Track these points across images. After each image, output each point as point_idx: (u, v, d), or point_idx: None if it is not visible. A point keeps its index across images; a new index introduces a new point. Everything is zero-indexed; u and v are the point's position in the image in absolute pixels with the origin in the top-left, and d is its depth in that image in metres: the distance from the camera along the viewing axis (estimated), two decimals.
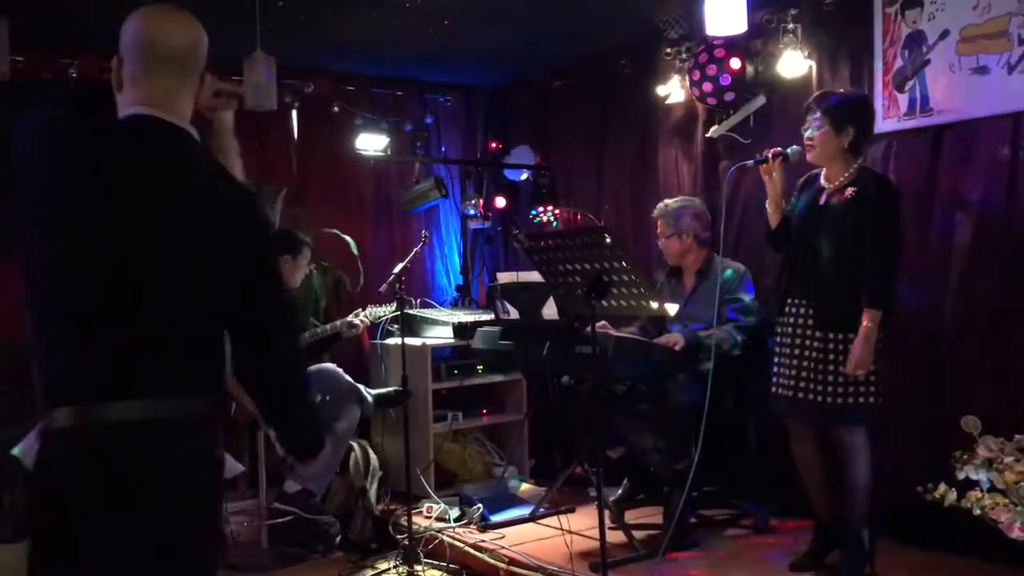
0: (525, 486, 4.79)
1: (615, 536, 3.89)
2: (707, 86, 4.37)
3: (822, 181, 3.50)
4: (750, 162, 3.62)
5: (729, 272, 4.10)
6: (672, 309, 3.64)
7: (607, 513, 3.86)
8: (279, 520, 4.48)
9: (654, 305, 3.05)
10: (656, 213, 4.32)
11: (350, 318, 4.80)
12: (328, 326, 4.77)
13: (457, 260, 5.93)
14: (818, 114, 3.39)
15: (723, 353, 3.90)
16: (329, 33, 4.67)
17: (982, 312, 3.60)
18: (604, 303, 3.14)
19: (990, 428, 3.14)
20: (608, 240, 3.01)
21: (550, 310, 3.78)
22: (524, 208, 5.76)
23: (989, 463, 3.09)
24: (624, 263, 3.00)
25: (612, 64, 5.18)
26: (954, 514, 3.08)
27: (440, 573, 4.14)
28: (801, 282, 3.50)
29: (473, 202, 5.71)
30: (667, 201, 4.34)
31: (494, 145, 6.05)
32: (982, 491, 3.07)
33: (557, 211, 5.58)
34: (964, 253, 3.66)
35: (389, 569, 4.18)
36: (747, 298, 4.07)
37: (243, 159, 4.46)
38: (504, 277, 4.33)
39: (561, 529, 4.00)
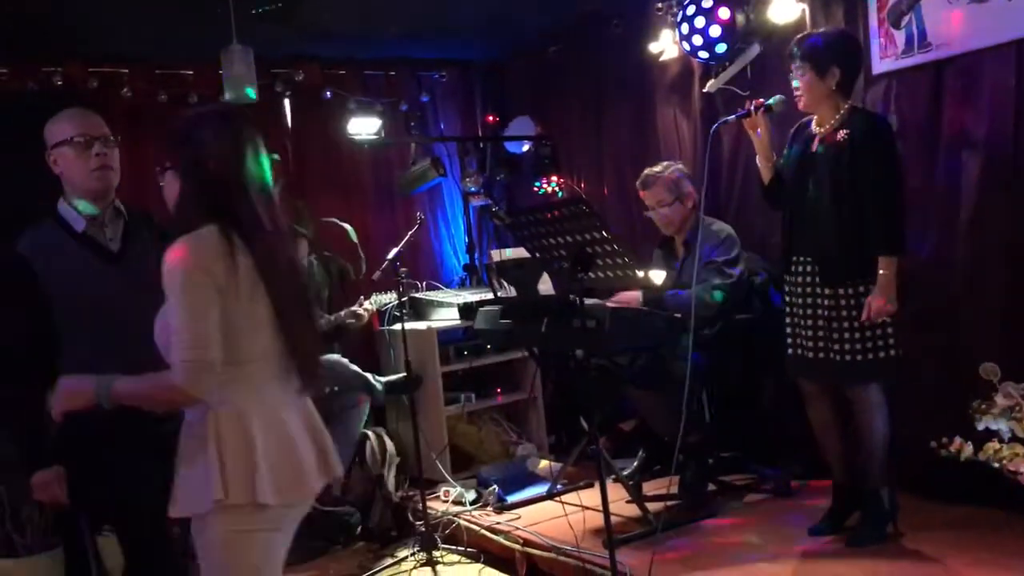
0: (544, 463, 4.72)
1: (631, 510, 3.81)
2: (697, 39, 4.21)
3: (813, 127, 3.34)
4: (732, 117, 3.47)
5: (712, 232, 3.95)
6: (658, 277, 3.52)
7: (622, 487, 3.81)
8: None
9: (640, 274, 2.94)
10: (647, 182, 4.12)
11: (354, 308, 4.74)
12: (332, 317, 4.71)
13: (464, 239, 5.84)
14: (798, 60, 3.24)
15: (696, 313, 3.76)
16: (314, 17, 4.57)
17: (995, 253, 3.44)
18: (590, 275, 3.03)
19: (1010, 375, 3.00)
20: (586, 211, 2.89)
21: (546, 285, 3.68)
22: (527, 180, 5.65)
23: (1009, 411, 2.95)
24: (604, 233, 2.89)
25: (604, 25, 5.03)
26: (976, 466, 2.95)
27: (458, 558, 4.10)
28: (802, 237, 3.36)
29: (472, 179, 5.59)
30: (653, 169, 4.14)
31: (492, 119, 5.93)
32: (1002, 441, 2.94)
33: (561, 181, 5.46)
34: (973, 193, 3.49)
35: (408, 557, 4.14)
36: (721, 255, 3.91)
37: None
38: (496, 254, 4.23)
39: (572, 506, 3.91)
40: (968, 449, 2.94)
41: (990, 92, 3.41)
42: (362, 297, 4.83)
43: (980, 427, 2.98)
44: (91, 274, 2.61)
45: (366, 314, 4.75)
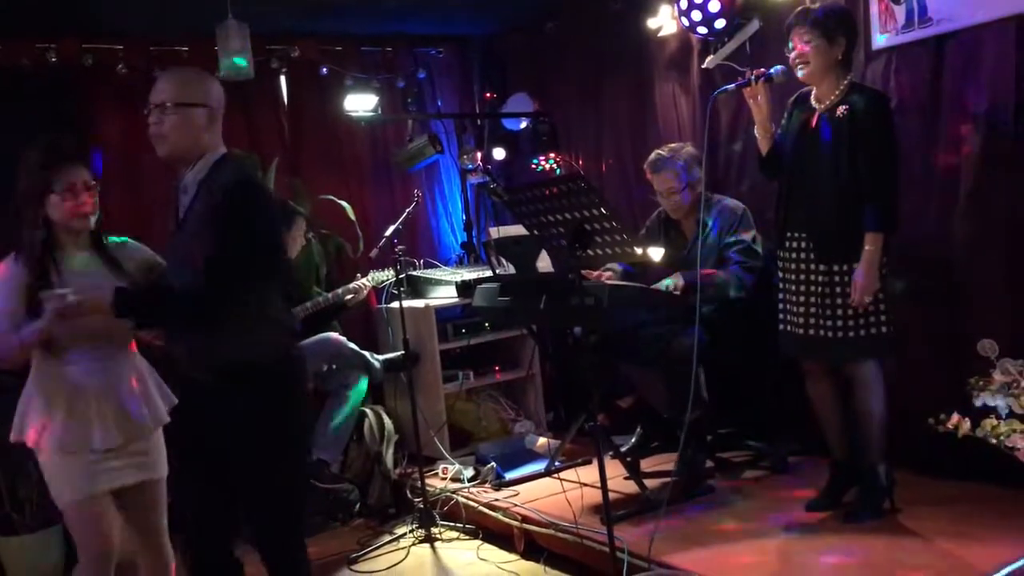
0: (542, 441, 4.73)
1: (629, 486, 3.82)
2: (696, 14, 4.19)
3: (812, 101, 3.32)
4: (732, 86, 3.43)
5: (728, 209, 3.93)
6: (656, 255, 3.50)
7: (620, 463, 3.81)
8: None
9: (638, 251, 2.92)
10: (657, 165, 4.02)
11: (351, 284, 4.73)
12: (330, 294, 4.70)
13: (461, 216, 5.82)
14: (806, 27, 3.20)
15: (727, 296, 3.78)
16: None
17: (994, 229, 3.43)
18: (589, 253, 3.02)
19: (1008, 351, 3.00)
20: (584, 187, 2.88)
21: (544, 262, 3.66)
22: (525, 157, 5.62)
23: (1007, 388, 2.95)
24: (603, 210, 2.88)
25: (602, 1, 4.98)
26: (973, 442, 2.95)
27: (457, 535, 4.11)
28: (798, 213, 3.35)
29: (470, 156, 5.57)
30: (662, 152, 4.05)
31: (489, 95, 5.89)
32: (1000, 417, 2.94)
33: (559, 158, 5.44)
34: (973, 168, 3.47)
35: (406, 533, 4.16)
36: (748, 236, 3.90)
37: (233, 129, 4.36)
38: (495, 232, 4.22)
39: (570, 483, 3.93)
40: (966, 425, 2.94)
41: (991, 67, 3.39)
42: (359, 274, 4.82)
43: (978, 403, 2.98)
44: None
45: (364, 289, 4.74)
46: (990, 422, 2.91)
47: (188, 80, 2.61)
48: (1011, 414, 2.92)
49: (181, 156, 2.57)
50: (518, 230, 3.52)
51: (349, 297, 4.70)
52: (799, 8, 3.36)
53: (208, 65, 4.79)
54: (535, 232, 3.24)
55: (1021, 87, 3.31)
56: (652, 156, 4.08)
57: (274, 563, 2.63)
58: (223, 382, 2.50)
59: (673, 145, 4.13)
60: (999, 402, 2.95)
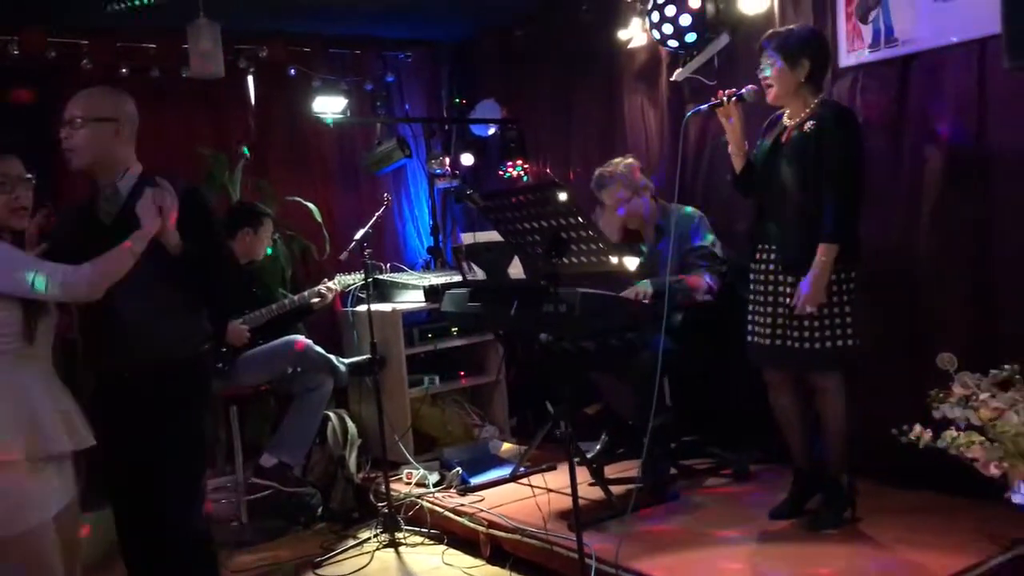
0: (506, 446, 4.75)
1: (594, 492, 3.85)
2: (667, 27, 4.24)
3: (784, 120, 3.39)
4: (705, 106, 3.50)
5: (686, 216, 4.01)
6: (632, 264, 3.55)
7: (585, 470, 3.84)
8: (258, 495, 4.44)
9: (614, 260, 2.96)
10: (602, 182, 4.14)
11: (318, 287, 4.71)
12: (296, 297, 4.68)
13: (428, 221, 5.82)
14: (769, 52, 3.28)
15: (695, 301, 3.84)
16: None
17: (956, 246, 3.52)
18: (564, 261, 3.05)
19: (967, 365, 3.09)
20: (562, 196, 2.91)
21: (516, 269, 3.68)
22: (493, 164, 5.65)
23: (965, 400, 3.04)
24: (580, 219, 2.91)
25: (573, 10, 5.04)
26: (934, 453, 3.03)
27: (421, 539, 4.11)
28: (768, 226, 3.41)
29: (439, 160, 5.58)
30: (604, 168, 4.17)
31: (458, 101, 5.91)
32: (959, 429, 3.03)
33: (527, 165, 5.47)
34: (936, 187, 3.57)
35: (370, 538, 4.15)
36: (708, 241, 4.00)
37: (199, 128, 4.32)
38: (467, 238, 4.24)
39: (537, 489, 3.94)
40: (927, 436, 3.02)
41: (954, 88, 3.49)
42: (325, 279, 4.80)
43: (937, 415, 3.07)
44: None
45: (330, 294, 4.72)
46: (950, 433, 3.00)
47: (98, 97, 2.83)
48: (969, 426, 3.01)
49: (94, 168, 2.80)
50: (493, 236, 3.53)
51: (315, 300, 4.68)
52: (769, 31, 3.43)
53: (176, 62, 4.79)
54: (510, 239, 3.26)
55: (983, 108, 3.41)
56: (594, 177, 4.18)
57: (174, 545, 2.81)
58: (140, 376, 2.75)
59: (615, 160, 4.23)
60: (957, 414, 3.04)
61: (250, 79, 5.27)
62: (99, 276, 2.55)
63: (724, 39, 4.30)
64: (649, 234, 4.18)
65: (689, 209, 4.07)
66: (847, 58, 3.80)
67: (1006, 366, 3.01)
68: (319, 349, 4.56)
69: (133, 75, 4.81)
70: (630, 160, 4.21)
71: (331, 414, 4.80)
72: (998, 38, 2.95)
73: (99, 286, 2.56)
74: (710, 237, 4.03)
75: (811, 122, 3.27)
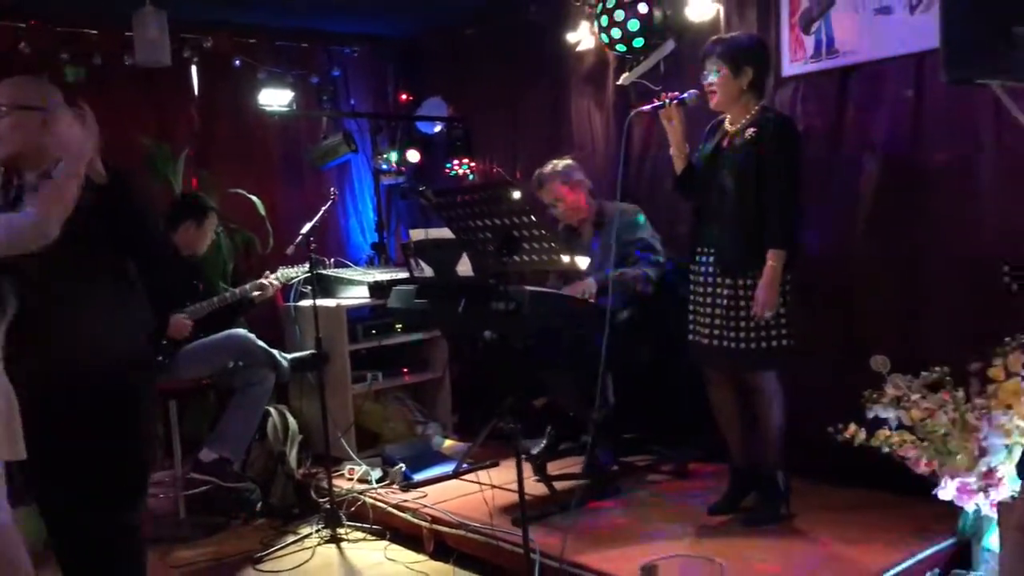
0: (449, 442, 4.77)
1: (538, 488, 3.90)
2: (616, 32, 4.32)
3: (726, 125, 3.48)
4: (647, 107, 3.57)
5: (624, 211, 4.09)
6: (583, 263, 3.62)
7: (529, 465, 3.88)
8: (197, 490, 4.38)
9: (565, 259, 3.01)
10: (540, 181, 4.22)
11: (260, 280, 4.67)
12: (237, 290, 4.63)
13: (372, 217, 5.81)
14: (714, 58, 3.36)
15: (637, 292, 3.91)
16: None
17: (889, 253, 3.66)
18: (516, 259, 3.09)
19: (899, 367, 3.21)
20: (515, 195, 2.95)
21: (465, 267, 3.71)
22: (439, 161, 5.66)
23: (897, 401, 3.16)
24: (532, 218, 2.95)
25: (521, 11, 5.08)
26: (867, 452, 3.15)
27: (363, 535, 4.11)
28: (708, 229, 3.49)
29: (385, 156, 5.57)
30: (543, 169, 4.26)
31: (405, 97, 5.91)
32: (891, 429, 3.15)
33: (473, 164, 5.50)
34: (872, 196, 3.70)
35: (311, 534, 4.13)
36: (646, 233, 4.09)
37: (141, 118, 4.28)
38: (416, 234, 4.25)
39: (481, 485, 3.99)
40: (862, 435, 3.14)
41: (891, 100, 3.62)
42: (268, 272, 4.76)
43: (870, 415, 3.19)
44: None
45: (271, 287, 4.68)
46: (884, 432, 3.12)
47: (25, 85, 2.74)
48: (901, 425, 3.14)
49: (19, 157, 2.67)
50: (445, 233, 3.55)
51: (256, 294, 4.64)
52: (713, 37, 3.51)
53: (118, 50, 4.70)
54: (462, 236, 3.28)
55: (918, 120, 3.54)
56: (534, 176, 4.27)
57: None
58: (75, 376, 2.60)
59: (553, 161, 4.30)
60: (890, 414, 3.17)
61: (194, 69, 5.20)
62: (45, 211, 2.38)
63: (670, 45, 4.39)
64: (587, 231, 4.25)
65: (625, 204, 4.15)
66: (789, 67, 3.91)
67: (936, 368, 3.13)
68: (262, 344, 4.52)
69: (73, 61, 4.70)
70: (568, 160, 4.30)
71: (272, 409, 4.76)
72: (935, 53, 3.06)
73: (48, 223, 2.37)
74: (648, 230, 4.13)
75: (752, 129, 3.36)
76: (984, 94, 3.09)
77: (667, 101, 3.48)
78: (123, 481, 2.73)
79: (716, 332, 3.45)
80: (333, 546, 4.03)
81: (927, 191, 3.55)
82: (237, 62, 5.27)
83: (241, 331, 4.53)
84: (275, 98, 5.17)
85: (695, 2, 4.16)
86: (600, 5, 4.39)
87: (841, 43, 3.74)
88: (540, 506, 3.74)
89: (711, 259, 3.47)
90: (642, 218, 4.16)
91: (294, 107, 5.25)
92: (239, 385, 4.47)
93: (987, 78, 2.71)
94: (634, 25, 4.27)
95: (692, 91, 3.48)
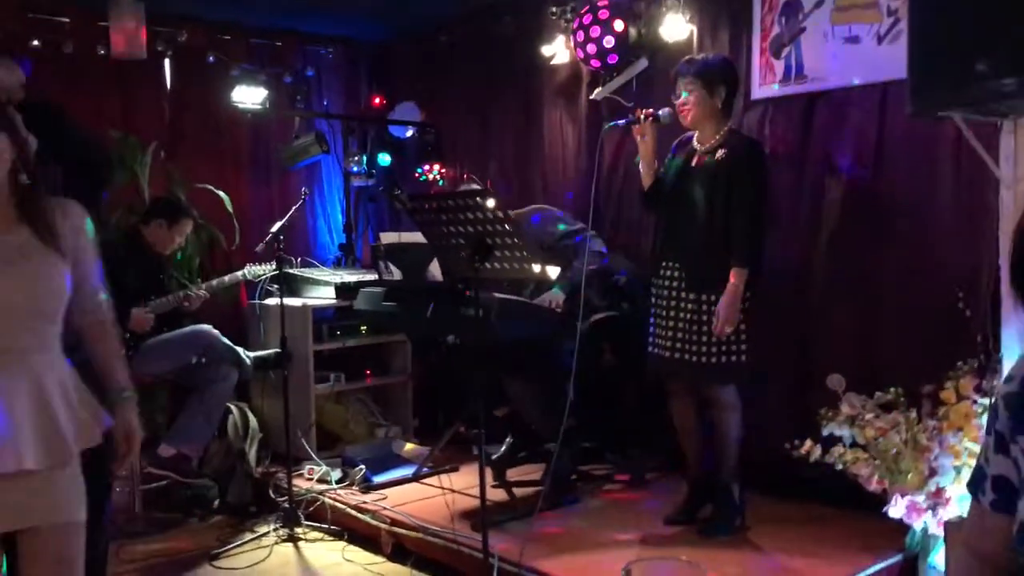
0: (409, 446, 4.79)
1: (497, 494, 3.94)
2: (591, 47, 4.39)
3: (695, 143, 3.55)
4: (621, 121, 3.64)
5: (544, 209, 4.20)
6: (554, 272, 3.66)
7: (488, 471, 3.92)
8: (154, 485, 4.36)
9: (536, 268, 3.05)
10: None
11: (226, 277, 4.67)
12: (204, 285, 4.61)
13: (340, 218, 5.82)
14: (689, 78, 3.44)
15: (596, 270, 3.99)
16: None
17: (848, 275, 3.76)
18: (487, 266, 3.13)
19: (854, 386, 3.29)
20: (490, 203, 2.99)
21: (434, 271, 3.75)
22: (410, 166, 5.69)
23: (852, 420, 3.24)
24: (506, 226, 3.00)
25: (497, 21, 5.14)
26: (821, 468, 3.23)
27: (321, 535, 4.11)
28: (673, 244, 3.56)
29: (356, 159, 5.59)
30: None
31: (378, 101, 5.93)
32: (845, 446, 3.23)
33: (443, 170, 5.53)
34: (833, 218, 3.80)
35: (269, 532, 4.13)
36: (577, 225, 4.17)
37: (109, 109, 4.24)
38: (388, 237, 4.26)
39: (444, 488, 4.02)
40: (817, 451, 3.22)
41: (856, 126, 3.73)
42: (235, 269, 4.75)
43: (825, 432, 3.27)
44: None
45: (196, 297, 4.56)
46: (838, 450, 3.20)
47: None
48: (855, 443, 3.22)
49: None
50: (416, 237, 3.58)
51: (185, 304, 4.53)
52: (686, 57, 3.60)
53: (91, 39, 4.67)
54: (434, 241, 3.32)
55: (880, 147, 3.65)
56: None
57: None
58: None
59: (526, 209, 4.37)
60: (844, 432, 3.25)
61: (167, 63, 5.17)
62: None
63: (643, 63, 4.47)
64: None
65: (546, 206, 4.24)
66: (759, 91, 4.00)
67: (891, 389, 3.22)
68: (226, 341, 4.51)
69: (45, 48, 4.66)
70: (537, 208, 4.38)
71: (233, 407, 4.74)
72: (899, 83, 3.19)
73: None
74: (578, 223, 4.18)
75: (722, 151, 3.44)
76: (945, 124, 3.20)
77: (641, 117, 3.55)
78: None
79: (678, 345, 3.51)
80: (290, 545, 4.04)
81: (887, 216, 3.65)
82: (211, 58, 5.25)
83: (205, 327, 4.51)
84: (248, 95, 5.16)
85: (669, 22, 4.24)
86: (577, 20, 4.46)
87: (810, 69, 3.84)
88: (498, 512, 3.78)
89: (676, 273, 3.54)
90: (566, 214, 4.24)
91: (267, 105, 5.24)
92: (202, 381, 4.45)
93: (950, 111, 2.83)
94: (609, 42, 4.34)
95: (666, 109, 3.55)
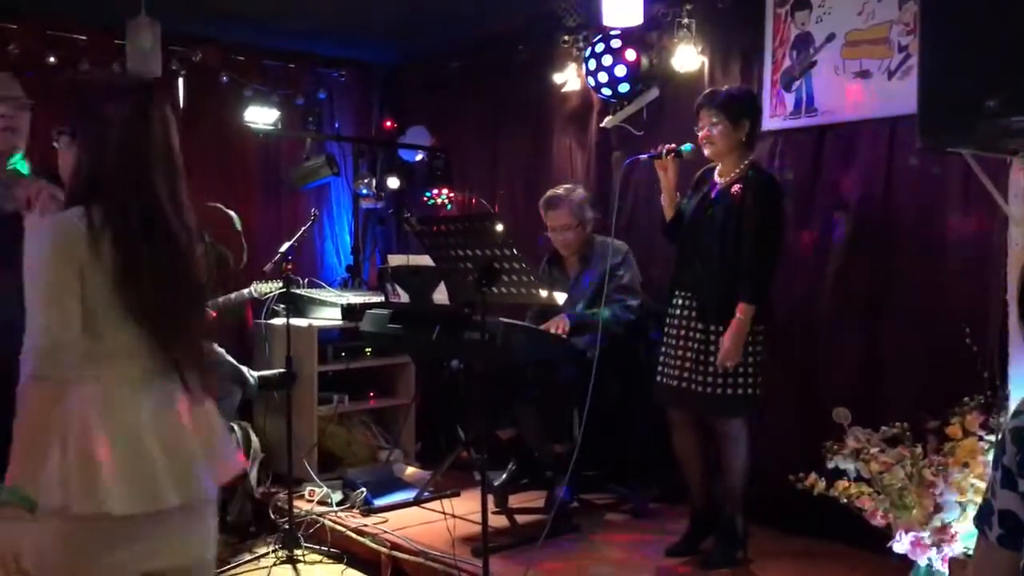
0: (410, 470, 4.77)
1: (498, 520, 3.91)
2: (603, 76, 4.41)
3: (716, 176, 3.56)
4: (644, 156, 3.65)
5: (616, 249, 4.09)
6: (561, 298, 3.67)
7: (490, 497, 3.90)
8: None
9: (543, 294, 3.06)
10: (552, 203, 4.20)
11: (232, 295, 4.67)
12: (210, 303, 4.61)
13: (348, 240, 5.84)
14: (714, 110, 3.44)
15: (610, 331, 3.96)
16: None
17: (855, 308, 3.75)
18: (494, 290, 3.13)
19: (860, 420, 3.27)
20: (499, 228, 3.00)
21: (440, 295, 3.75)
22: (418, 190, 5.71)
23: (857, 453, 3.22)
24: (514, 251, 3.00)
25: (509, 49, 5.17)
26: (824, 502, 3.20)
27: (320, 557, 4.09)
28: (688, 274, 3.57)
29: (366, 181, 5.61)
30: (557, 191, 4.24)
31: (389, 124, 5.97)
32: (850, 480, 3.21)
33: (452, 194, 5.55)
34: (841, 251, 3.80)
35: (268, 553, 4.10)
36: (628, 276, 4.11)
37: None
38: (395, 260, 4.27)
39: (444, 513, 4.00)
40: (821, 484, 3.19)
41: (865, 161, 3.73)
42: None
43: (830, 466, 3.24)
44: None
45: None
46: (842, 483, 3.17)
47: (15, 83, 2.90)
48: (859, 477, 3.20)
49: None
50: (424, 261, 3.59)
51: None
52: (708, 90, 3.62)
53: (107, 57, 4.72)
54: (442, 264, 3.32)
55: (890, 181, 3.66)
56: (548, 194, 4.26)
57: None
58: None
59: (568, 185, 4.33)
60: (849, 465, 3.22)
61: (181, 81, 5.21)
62: None
63: (654, 92, 4.49)
64: (572, 264, 4.29)
65: (617, 242, 4.15)
66: (769, 122, 4.01)
67: (896, 424, 3.21)
68: (231, 359, 4.51)
69: (61, 64, 4.71)
70: (581, 190, 4.30)
71: (235, 426, 4.72)
72: (908, 118, 3.18)
73: None
74: (632, 270, 4.16)
75: (738, 185, 3.44)
76: (955, 160, 3.20)
77: (663, 152, 3.56)
78: None
79: (685, 375, 3.50)
80: (289, 567, 4.01)
81: (895, 251, 3.65)
82: (225, 78, 5.29)
83: (211, 344, 4.50)
84: (260, 116, 5.20)
85: (681, 52, 4.27)
86: (588, 49, 4.49)
87: (821, 102, 3.86)
88: (499, 538, 3.75)
89: (688, 302, 3.54)
90: (630, 258, 4.18)
91: (278, 126, 5.28)
92: None
93: (959, 147, 2.83)
94: (621, 71, 4.37)
95: (689, 144, 3.56)
